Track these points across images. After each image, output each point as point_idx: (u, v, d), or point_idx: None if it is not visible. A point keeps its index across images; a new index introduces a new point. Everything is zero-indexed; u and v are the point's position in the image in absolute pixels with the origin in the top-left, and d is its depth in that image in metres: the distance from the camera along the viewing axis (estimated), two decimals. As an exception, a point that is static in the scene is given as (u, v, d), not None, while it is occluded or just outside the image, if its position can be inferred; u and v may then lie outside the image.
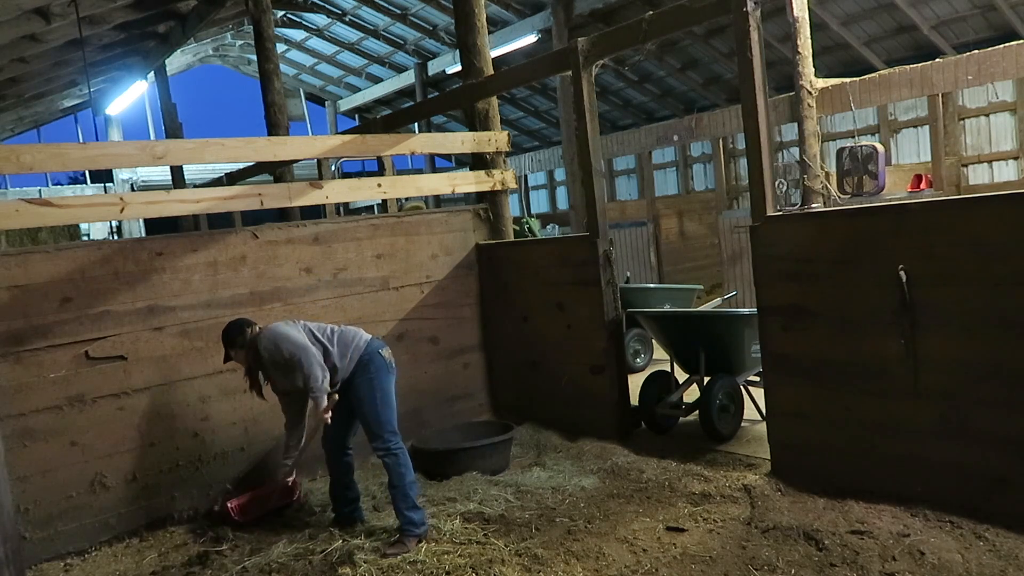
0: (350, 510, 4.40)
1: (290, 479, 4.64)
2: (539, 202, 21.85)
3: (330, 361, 4.09)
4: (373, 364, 4.16)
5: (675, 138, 12.27)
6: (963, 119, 12.77)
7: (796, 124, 8.38)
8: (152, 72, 14.59)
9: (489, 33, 6.78)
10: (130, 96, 16.15)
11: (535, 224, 11.16)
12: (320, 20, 18.17)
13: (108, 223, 16.59)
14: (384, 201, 8.96)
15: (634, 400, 5.57)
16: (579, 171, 5.53)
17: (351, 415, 4.24)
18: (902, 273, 3.74)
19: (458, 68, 9.52)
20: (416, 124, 17.74)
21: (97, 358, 4.52)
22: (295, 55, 20.78)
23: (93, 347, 4.51)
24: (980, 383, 3.59)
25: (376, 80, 21.08)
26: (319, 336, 4.15)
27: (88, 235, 18.62)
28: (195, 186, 14.38)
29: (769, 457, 4.55)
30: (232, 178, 11.82)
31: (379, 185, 6.02)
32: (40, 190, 18.67)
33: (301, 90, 22.44)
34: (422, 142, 7.04)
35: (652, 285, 10.33)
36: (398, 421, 4.03)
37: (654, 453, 5.05)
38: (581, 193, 6.36)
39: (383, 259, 5.76)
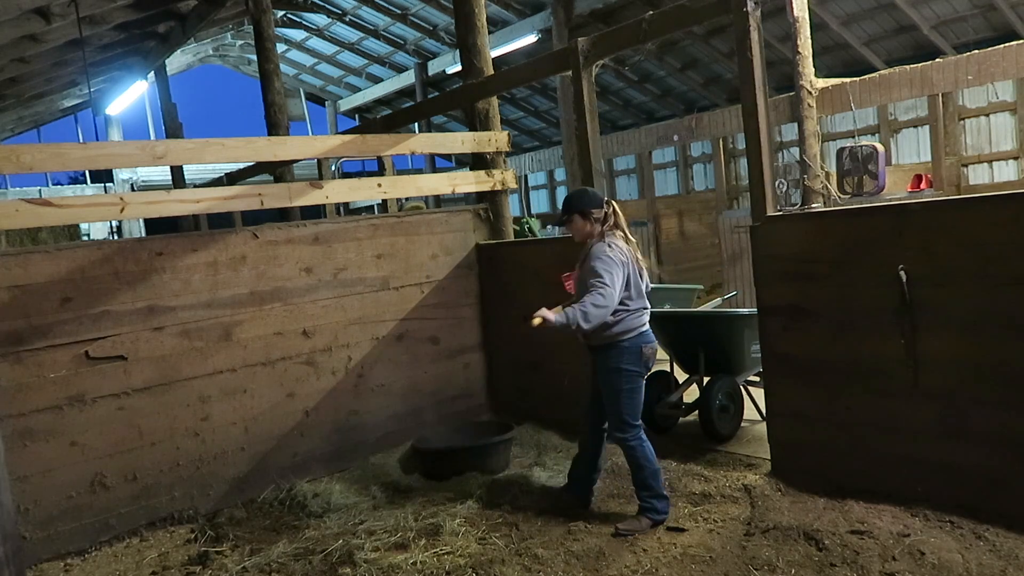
0: (583, 490, 4.31)
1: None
2: (539, 202, 21.83)
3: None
4: (632, 354, 4.00)
5: (675, 138, 12.28)
6: (963, 119, 12.76)
7: (796, 124, 8.39)
8: (152, 72, 14.58)
9: (489, 33, 6.78)
10: (130, 96, 16.14)
11: (535, 224, 11.15)
12: (320, 20, 18.16)
13: (108, 223, 16.60)
14: (384, 201, 8.96)
15: (634, 400, 5.56)
16: (579, 171, 5.52)
17: None
18: (902, 273, 3.75)
19: (458, 68, 9.52)
20: (416, 124, 17.74)
21: (97, 358, 4.52)
22: (295, 55, 20.77)
23: (93, 347, 4.51)
24: (980, 383, 3.59)
25: (376, 80, 21.07)
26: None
27: (88, 235, 18.61)
28: (195, 186, 14.37)
29: (769, 457, 4.55)
30: (232, 178, 11.80)
31: (379, 185, 6.01)
32: (40, 190, 18.66)
33: (301, 90, 22.44)
34: (422, 142, 7.04)
35: (652, 285, 10.31)
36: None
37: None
38: (581, 193, 6.34)
39: (383, 259, 5.76)
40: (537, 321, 3.83)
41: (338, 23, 18.07)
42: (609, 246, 3.98)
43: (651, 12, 4.87)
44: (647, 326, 4.09)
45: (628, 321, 3.99)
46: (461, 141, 6.58)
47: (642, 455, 4.02)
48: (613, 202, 4.10)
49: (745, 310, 5.44)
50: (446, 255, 6.13)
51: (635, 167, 19.14)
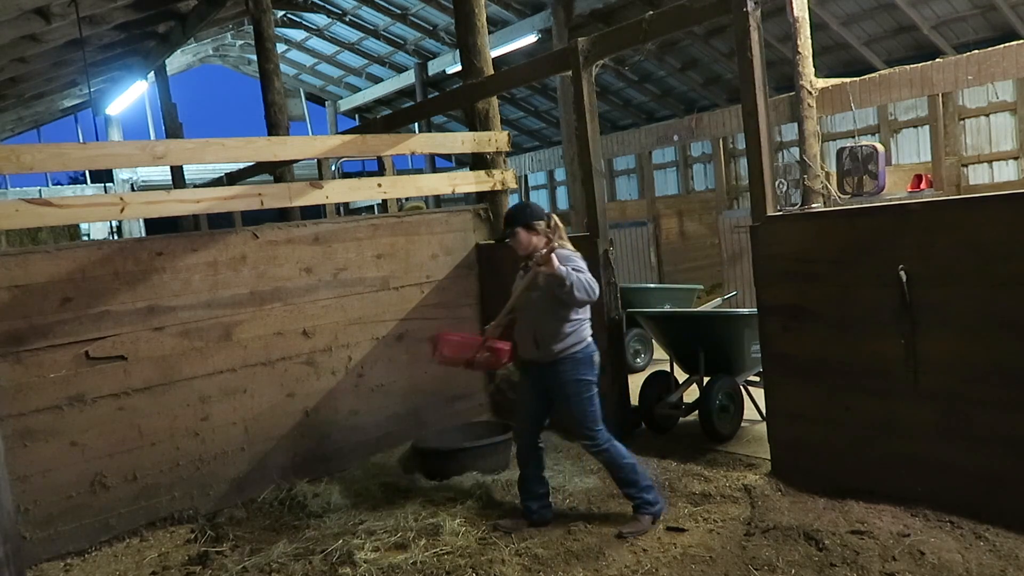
0: (539, 506, 4.17)
1: (499, 344, 4.28)
2: (539, 202, 21.78)
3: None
4: (586, 364, 4.04)
5: (675, 138, 12.28)
6: (963, 119, 12.76)
7: (796, 124, 8.37)
8: (152, 72, 14.58)
9: (489, 33, 6.78)
10: (130, 96, 16.14)
11: (535, 224, 11.12)
12: (320, 20, 18.16)
13: (108, 223, 16.60)
14: (384, 201, 8.96)
15: (634, 400, 5.57)
16: (579, 171, 5.53)
17: (547, 404, 4.16)
18: (902, 273, 3.75)
19: (458, 68, 9.52)
20: (416, 124, 17.74)
21: (97, 358, 4.52)
22: (295, 55, 20.77)
23: (93, 347, 4.51)
24: (980, 383, 3.59)
25: (376, 80, 21.07)
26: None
27: (88, 235, 18.61)
28: (195, 186, 14.38)
29: (769, 457, 4.55)
30: (232, 178, 11.81)
31: (379, 185, 6.01)
32: (40, 190, 18.65)
33: (301, 90, 22.43)
34: (422, 142, 7.04)
35: (652, 285, 10.33)
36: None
37: (654, 453, 5.05)
38: (581, 193, 6.39)
39: (383, 259, 5.76)
40: (546, 258, 3.76)
41: (338, 23, 18.07)
42: (570, 251, 4.06)
43: (651, 12, 4.87)
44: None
45: (580, 331, 4.04)
46: (461, 141, 6.58)
47: (617, 455, 4.03)
48: (554, 215, 4.18)
49: (745, 310, 5.44)
50: (446, 255, 6.13)
51: (635, 167, 19.14)
